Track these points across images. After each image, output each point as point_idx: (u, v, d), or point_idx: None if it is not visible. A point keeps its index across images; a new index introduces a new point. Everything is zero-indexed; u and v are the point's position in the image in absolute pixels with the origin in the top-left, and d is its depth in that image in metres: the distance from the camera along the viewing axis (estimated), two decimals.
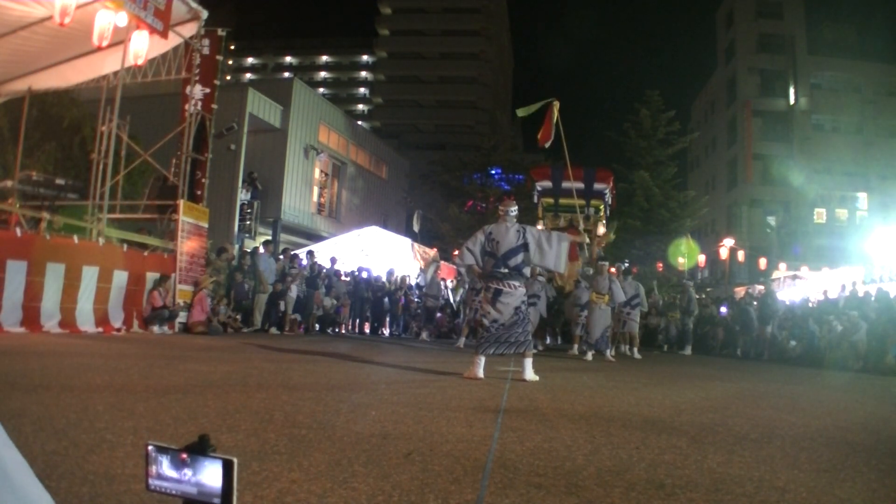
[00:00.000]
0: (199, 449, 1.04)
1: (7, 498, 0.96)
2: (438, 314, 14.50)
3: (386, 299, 14.94)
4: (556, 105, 11.20)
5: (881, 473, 2.48)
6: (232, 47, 57.17)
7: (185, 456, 1.05)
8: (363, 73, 66.69)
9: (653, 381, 6.46)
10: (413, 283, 15.62)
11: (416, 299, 14.96)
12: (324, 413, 3.04)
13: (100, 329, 7.70)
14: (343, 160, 26.27)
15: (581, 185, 13.55)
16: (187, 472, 1.05)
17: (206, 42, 10.18)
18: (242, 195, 18.74)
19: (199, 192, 10.09)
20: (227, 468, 1.03)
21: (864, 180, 33.88)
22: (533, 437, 2.78)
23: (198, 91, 10.10)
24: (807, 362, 11.62)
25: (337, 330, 13.27)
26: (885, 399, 6.30)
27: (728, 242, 27.90)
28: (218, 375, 4.32)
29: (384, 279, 15.15)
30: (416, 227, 22.94)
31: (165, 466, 1.06)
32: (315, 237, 22.29)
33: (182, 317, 9.22)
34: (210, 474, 1.04)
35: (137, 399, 3.06)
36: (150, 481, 1.07)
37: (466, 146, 42.69)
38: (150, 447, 1.07)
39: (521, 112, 11.28)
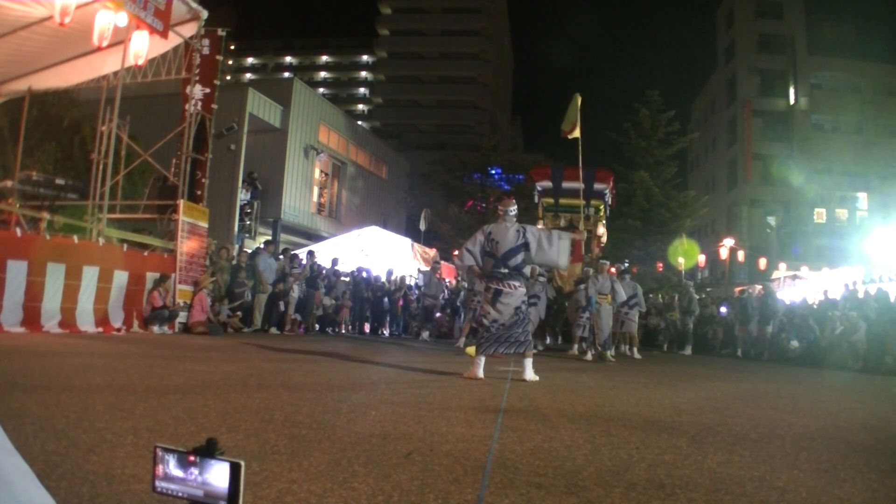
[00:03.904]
0: (206, 451, 1.04)
1: None
2: (438, 314, 14.49)
3: (386, 299, 14.93)
4: (579, 99, 11.99)
5: (881, 473, 2.48)
6: (232, 47, 57.14)
7: (192, 458, 1.05)
8: (363, 73, 66.67)
9: (653, 381, 6.46)
10: (413, 283, 15.63)
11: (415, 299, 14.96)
12: (324, 413, 3.04)
13: (100, 329, 7.69)
14: (343, 160, 26.28)
15: (581, 185, 13.54)
16: (194, 474, 1.05)
17: (206, 42, 10.18)
18: (242, 195, 18.74)
19: (199, 192, 10.09)
20: (235, 471, 1.03)
21: (864, 180, 33.88)
22: (533, 437, 2.78)
23: (198, 91, 10.10)
24: (807, 362, 11.61)
25: (337, 330, 13.27)
26: (885, 399, 6.31)
27: (728, 242, 27.90)
28: (218, 375, 4.32)
29: (384, 279, 15.15)
30: (422, 226, 22.90)
31: (172, 468, 1.06)
32: (315, 237, 22.30)
33: (182, 317, 9.21)
34: (217, 476, 1.04)
35: (137, 399, 3.06)
36: (157, 483, 1.07)
37: (466, 146, 42.69)
38: (157, 448, 1.07)
39: (564, 126, 12.15)
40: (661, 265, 26.32)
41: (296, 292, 11.97)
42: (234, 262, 11.41)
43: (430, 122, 57.35)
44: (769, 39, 35.74)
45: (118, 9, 7.82)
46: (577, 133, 12.17)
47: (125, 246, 8.59)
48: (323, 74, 67.34)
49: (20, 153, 10.48)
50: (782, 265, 24.65)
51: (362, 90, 66.07)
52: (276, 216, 20.97)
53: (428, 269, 14.82)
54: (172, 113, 11.37)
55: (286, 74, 56.53)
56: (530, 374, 5.30)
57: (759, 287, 14.70)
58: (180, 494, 1.05)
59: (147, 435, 2.30)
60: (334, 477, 1.93)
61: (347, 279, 14.26)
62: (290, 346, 7.90)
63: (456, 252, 8.82)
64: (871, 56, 33.98)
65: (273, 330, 11.24)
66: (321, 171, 25.11)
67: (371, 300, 14.57)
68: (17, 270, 6.68)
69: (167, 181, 10.03)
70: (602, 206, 15.88)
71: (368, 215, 26.56)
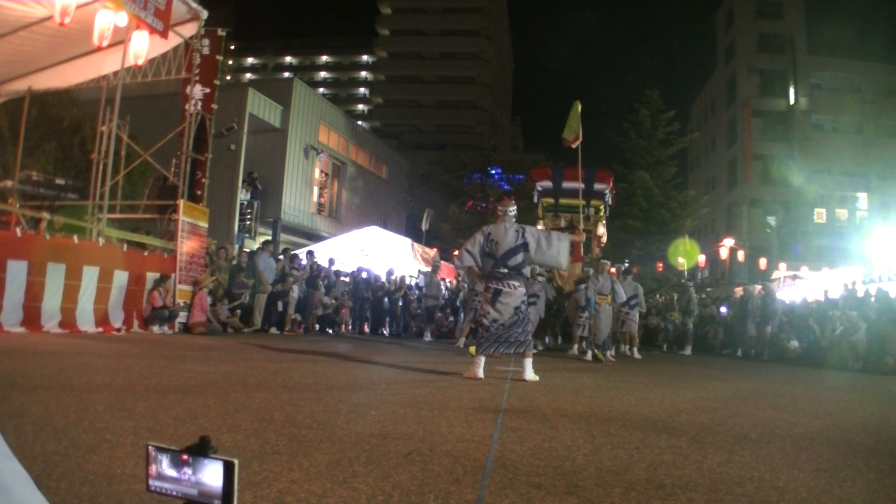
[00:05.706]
0: (199, 450, 1.04)
1: None
2: (438, 314, 14.49)
3: (386, 299, 14.93)
4: (579, 106, 12.20)
5: (881, 473, 2.48)
6: (232, 47, 57.18)
7: (185, 457, 1.04)
8: (363, 73, 66.71)
9: (653, 381, 6.46)
10: (412, 283, 15.62)
11: (415, 299, 14.96)
12: (324, 413, 3.04)
13: (100, 329, 7.69)
14: (343, 160, 26.28)
15: (581, 185, 13.55)
16: (188, 473, 1.05)
17: (206, 42, 10.18)
18: (242, 195, 18.75)
19: (199, 192, 10.09)
20: (228, 469, 1.02)
21: (864, 180, 33.89)
22: (533, 437, 2.78)
23: (198, 91, 10.10)
24: (807, 362, 11.61)
25: (337, 330, 13.27)
26: (885, 399, 6.30)
27: (728, 242, 27.90)
28: (218, 375, 4.32)
29: (384, 279, 15.16)
30: (424, 226, 22.88)
31: (166, 467, 1.06)
32: (315, 237, 22.30)
33: (182, 317, 9.21)
34: (211, 475, 1.03)
35: (137, 399, 3.06)
36: (151, 482, 1.07)
37: (466, 146, 42.73)
38: (150, 448, 1.07)
39: (567, 135, 12.39)
40: (661, 265, 26.32)
41: (296, 292, 11.97)
42: (235, 262, 11.41)
43: (430, 122, 57.36)
44: (769, 39, 35.75)
45: (118, 9, 7.82)
46: (580, 141, 12.37)
47: (125, 246, 8.59)
48: (323, 74, 67.37)
49: (20, 153, 10.47)
50: (782, 265, 24.64)
51: (362, 90, 66.10)
52: (276, 216, 20.97)
53: (429, 269, 14.81)
54: (172, 113, 11.37)
55: (286, 74, 56.58)
56: (530, 374, 5.30)
57: (758, 287, 14.67)
58: (175, 493, 1.05)
59: (147, 435, 2.30)
60: (334, 477, 1.93)
61: (347, 279, 14.27)
62: (290, 346, 7.90)
63: (456, 252, 8.82)
64: (871, 56, 33.98)
65: (273, 330, 11.24)
66: (321, 171, 25.11)
67: (371, 300, 14.57)
68: (17, 270, 6.68)
69: (167, 181, 10.03)
70: (602, 207, 15.88)
71: (368, 215, 26.56)
